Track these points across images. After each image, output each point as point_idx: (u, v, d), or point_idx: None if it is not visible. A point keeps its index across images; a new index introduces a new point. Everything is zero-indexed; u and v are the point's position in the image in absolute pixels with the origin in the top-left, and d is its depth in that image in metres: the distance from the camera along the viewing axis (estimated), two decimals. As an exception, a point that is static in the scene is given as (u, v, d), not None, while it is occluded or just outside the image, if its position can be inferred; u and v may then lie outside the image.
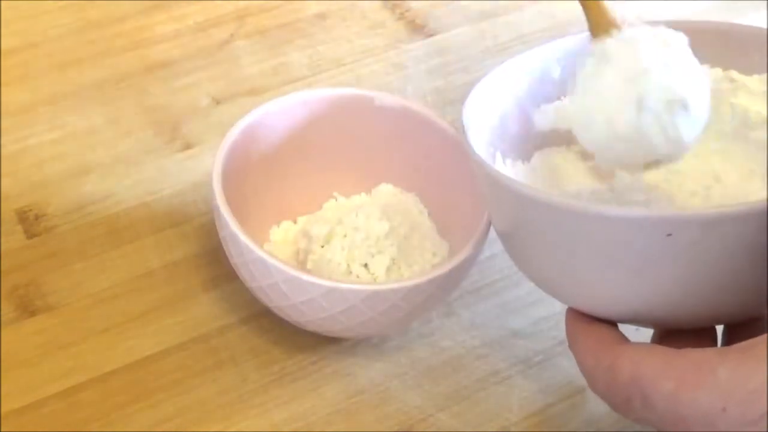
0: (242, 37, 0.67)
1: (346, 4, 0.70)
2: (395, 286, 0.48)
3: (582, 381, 0.52)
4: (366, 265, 0.52)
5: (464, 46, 0.69)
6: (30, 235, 0.56)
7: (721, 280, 0.41)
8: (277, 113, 0.54)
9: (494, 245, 0.57)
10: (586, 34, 0.47)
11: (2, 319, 0.52)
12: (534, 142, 0.52)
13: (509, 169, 0.50)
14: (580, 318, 0.45)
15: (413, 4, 0.71)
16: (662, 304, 0.42)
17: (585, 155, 0.51)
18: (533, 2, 0.72)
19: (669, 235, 0.39)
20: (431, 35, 0.69)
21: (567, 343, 0.54)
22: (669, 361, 0.39)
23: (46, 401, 0.49)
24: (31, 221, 0.56)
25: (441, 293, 0.50)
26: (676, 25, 0.45)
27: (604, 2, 0.46)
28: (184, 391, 0.51)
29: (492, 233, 0.51)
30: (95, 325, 0.52)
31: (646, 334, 0.47)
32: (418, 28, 0.69)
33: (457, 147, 0.54)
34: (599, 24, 0.45)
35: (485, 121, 0.49)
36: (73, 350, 0.51)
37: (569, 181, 0.51)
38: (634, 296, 0.43)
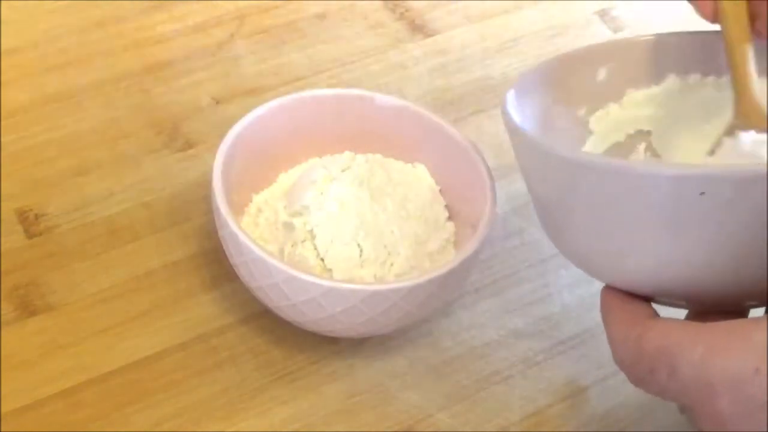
0: (242, 37, 0.67)
1: (346, 4, 0.70)
2: (395, 286, 0.48)
3: (582, 381, 0.53)
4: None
5: (464, 46, 0.69)
6: (30, 235, 0.55)
7: (752, 245, 0.39)
8: (277, 113, 0.54)
9: (495, 245, 0.57)
10: (631, 37, 0.48)
11: (2, 319, 0.52)
12: (580, 138, 0.52)
13: None
14: (616, 293, 0.45)
15: (413, 4, 0.71)
16: (694, 272, 0.41)
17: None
18: (533, 2, 0.72)
19: (702, 194, 0.38)
20: (431, 35, 0.69)
21: (567, 343, 0.54)
22: (699, 329, 0.39)
23: (46, 401, 0.49)
24: (31, 221, 0.56)
25: (441, 293, 0.50)
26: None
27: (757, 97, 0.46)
28: (184, 391, 0.51)
29: (493, 233, 0.51)
30: (95, 325, 0.52)
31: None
32: (418, 28, 0.69)
33: (456, 146, 0.54)
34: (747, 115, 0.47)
35: (529, 113, 0.49)
36: (73, 350, 0.51)
37: None
38: (667, 262, 0.42)
